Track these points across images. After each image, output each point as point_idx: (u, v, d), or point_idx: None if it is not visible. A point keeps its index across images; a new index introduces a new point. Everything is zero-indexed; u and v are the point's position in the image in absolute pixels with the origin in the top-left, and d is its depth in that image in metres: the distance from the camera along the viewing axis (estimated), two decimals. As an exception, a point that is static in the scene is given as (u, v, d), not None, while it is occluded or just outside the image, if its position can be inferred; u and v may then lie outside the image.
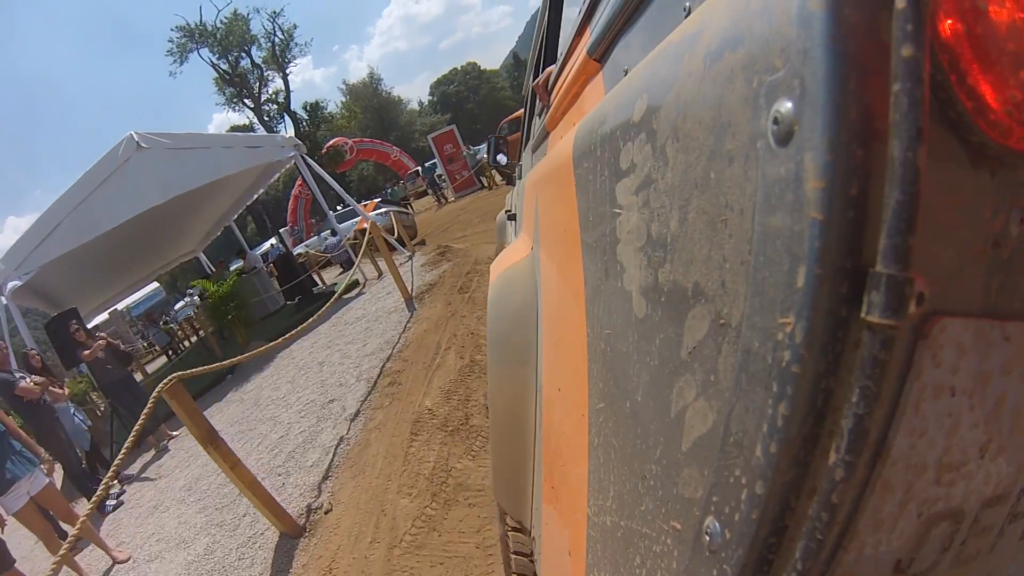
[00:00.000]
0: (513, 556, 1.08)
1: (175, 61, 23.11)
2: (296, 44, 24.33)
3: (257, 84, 23.50)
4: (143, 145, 6.49)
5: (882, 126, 0.22)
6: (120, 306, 16.05)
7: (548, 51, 1.43)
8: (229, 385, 6.61)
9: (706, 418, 0.31)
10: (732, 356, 0.29)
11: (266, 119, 23.66)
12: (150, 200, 6.63)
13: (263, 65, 23.84)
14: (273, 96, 24.04)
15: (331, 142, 23.81)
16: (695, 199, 0.33)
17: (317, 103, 25.76)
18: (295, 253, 13.94)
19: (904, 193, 0.22)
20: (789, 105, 0.24)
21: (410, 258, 8.12)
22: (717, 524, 0.29)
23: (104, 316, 13.90)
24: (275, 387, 5.31)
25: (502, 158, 3.15)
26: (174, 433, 5.78)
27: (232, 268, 11.05)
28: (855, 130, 0.22)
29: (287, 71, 23.98)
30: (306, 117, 24.89)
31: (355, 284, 8.01)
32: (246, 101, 23.33)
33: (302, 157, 8.34)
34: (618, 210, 0.46)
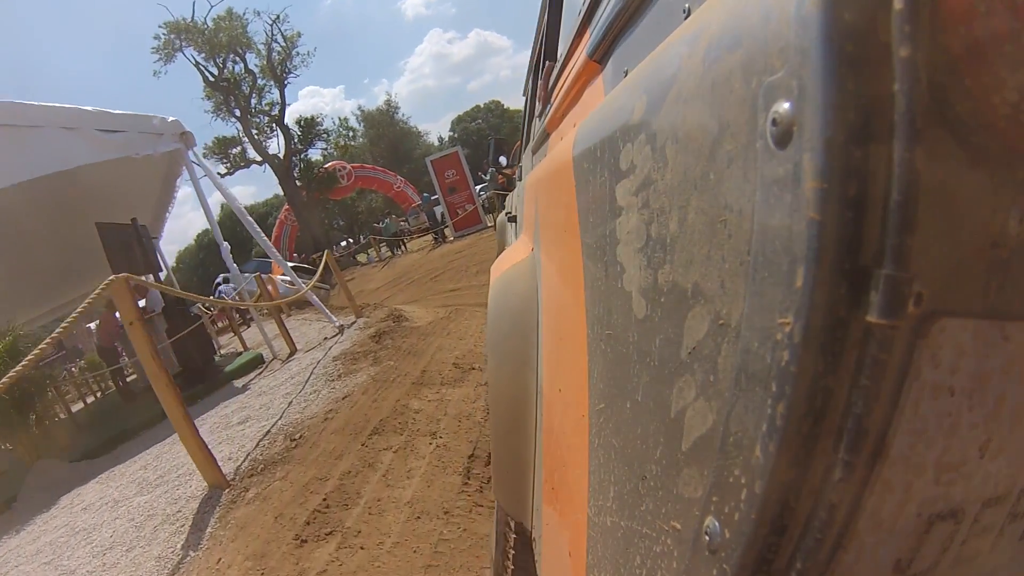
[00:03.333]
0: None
1: (160, 59, 20.74)
2: (299, 54, 22.33)
3: (249, 91, 21.56)
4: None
5: (881, 127, 0.22)
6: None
7: (548, 51, 1.43)
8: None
9: (706, 418, 0.31)
10: (732, 356, 0.29)
11: (254, 132, 21.51)
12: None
13: (259, 74, 21.88)
14: (267, 108, 22.09)
15: (327, 165, 22.15)
16: (694, 200, 0.33)
17: (312, 118, 23.70)
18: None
19: (903, 194, 0.22)
20: (788, 106, 0.24)
21: (339, 332, 5.75)
22: (717, 524, 0.29)
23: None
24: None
25: (503, 160, 3.18)
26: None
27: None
28: (854, 131, 0.22)
29: (286, 82, 22.06)
30: (299, 133, 22.91)
31: (258, 361, 6.00)
32: (234, 110, 21.21)
33: (195, 156, 5.85)
34: (618, 211, 0.46)
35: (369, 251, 18.71)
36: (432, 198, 16.73)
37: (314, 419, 3.48)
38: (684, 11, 0.39)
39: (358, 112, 33.86)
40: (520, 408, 0.96)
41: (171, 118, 5.62)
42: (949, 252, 0.23)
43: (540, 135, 1.30)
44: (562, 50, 0.94)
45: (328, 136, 24.32)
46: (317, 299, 6.44)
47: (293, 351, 5.85)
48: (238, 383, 5.51)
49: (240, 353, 7.10)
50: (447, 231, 15.15)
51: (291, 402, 4.03)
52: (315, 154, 24.42)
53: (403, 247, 17.14)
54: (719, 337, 0.30)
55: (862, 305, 0.23)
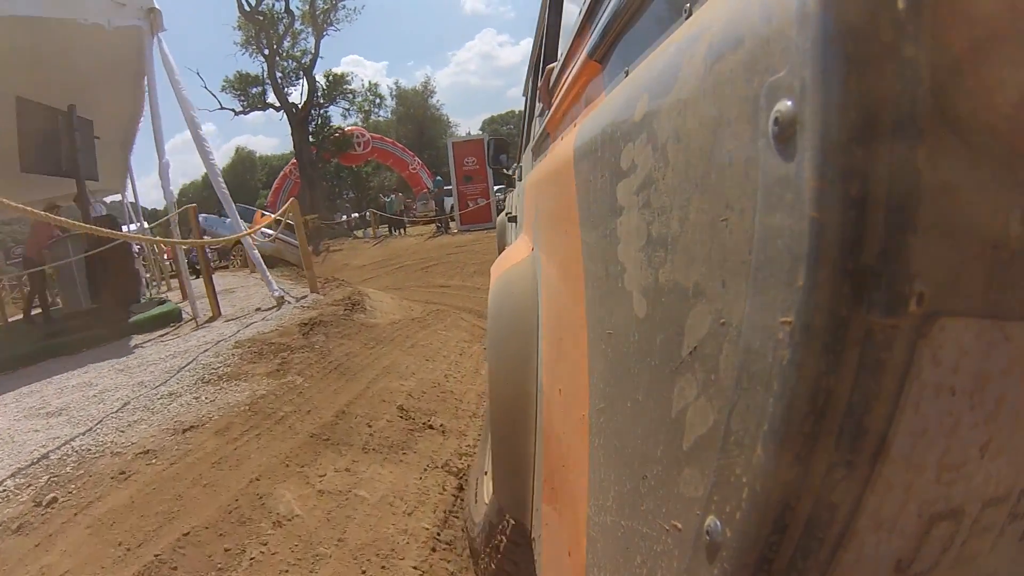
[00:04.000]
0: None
1: None
2: (344, 6, 20.40)
3: (284, 32, 19.78)
4: None
5: (882, 126, 0.22)
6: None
7: (548, 51, 1.43)
8: None
9: (707, 417, 0.31)
10: (733, 355, 0.29)
11: (279, 74, 19.87)
12: None
13: (299, 18, 20.08)
14: (299, 55, 20.30)
15: (348, 127, 21.15)
16: (696, 199, 0.33)
17: (342, 75, 22.10)
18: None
19: (904, 193, 0.22)
20: (790, 105, 0.24)
21: (276, 305, 4.55)
22: (718, 523, 0.29)
23: None
24: None
25: (503, 159, 3.17)
26: None
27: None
28: (855, 130, 0.22)
29: (325, 32, 20.13)
30: (324, 87, 21.34)
31: (173, 317, 5.05)
32: (263, 48, 19.50)
33: (160, 41, 4.48)
34: (619, 210, 0.46)
35: (367, 228, 17.87)
36: (446, 187, 15.15)
37: (109, 463, 2.08)
38: (685, 11, 0.39)
39: (393, 86, 32.39)
40: (520, 408, 0.96)
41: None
42: (950, 252, 0.23)
43: (540, 135, 1.30)
44: (563, 50, 0.94)
45: (353, 97, 22.81)
46: (260, 259, 5.25)
47: (215, 315, 4.71)
48: (139, 338, 4.54)
49: (163, 302, 5.99)
50: (452, 223, 13.93)
51: (126, 403, 2.72)
52: (336, 113, 23.09)
53: (402, 229, 15.91)
54: (720, 336, 0.30)
55: (863, 304, 0.23)
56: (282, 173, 21.71)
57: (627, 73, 0.51)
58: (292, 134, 20.09)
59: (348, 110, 22.51)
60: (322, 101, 21.25)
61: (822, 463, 0.25)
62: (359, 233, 18.01)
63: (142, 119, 6.20)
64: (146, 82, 4.70)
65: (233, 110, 20.91)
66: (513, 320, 1.02)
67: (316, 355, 3.27)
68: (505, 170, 3.21)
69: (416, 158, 21.83)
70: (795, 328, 0.24)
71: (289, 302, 4.74)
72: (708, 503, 0.31)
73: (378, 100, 24.34)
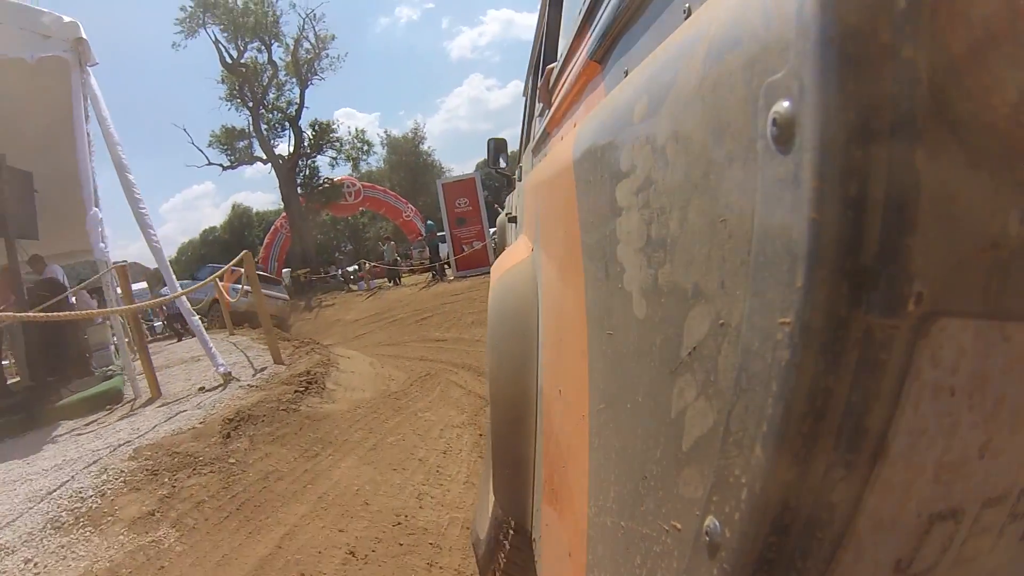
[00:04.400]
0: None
1: (181, 31, 18.78)
2: (327, 55, 20.32)
3: (268, 83, 19.87)
4: None
5: (881, 127, 0.22)
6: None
7: (548, 51, 1.43)
8: None
9: (706, 418, 0.31)
10: (732, 356, 0.29)
11: (263, 125, 19.92)
12: None
13: (283, 69, 20.15)
14: (284, 106, 20.39)
15: (337, 178, 20.72)
16: (695, 200, 0.33)
17: (328, 124, 21.70)
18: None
19: (903, 194, 0.22)
20: (788, 106, 0.24)
21: (221, 385, 3.92)
22: (717, 523, 0.29)
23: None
24: None
25: (502, 160, 3.17)
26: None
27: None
28: (854, 131, 0.22)
29: (309, 82, 20.22)
30: (311, 137, 21.10)
31: (112, 397, 4.26)
32: (248, 101, 19.60)
33: (87, 74, 4.10)
34: (618, 211, 0.46)
35: (360, 281, 17.25)
36: (439, 234, 14.05)
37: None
38: (684, 11, 0.39)
39: (383, 135, 31.65)
40: (520, 408, 0.96)
41: (68, 18, 4.12)
42: (949, 252, 0.23)
43: (540, 136, 1.30)
44: (563, 51, 0.94)
45: (341, 145, 22.41)
46: (200, 327, 4.61)
47: (154, 395, 4.04)
48: (67, 425, 3.79)
49: (111, 376, 5.04)
50: (448, 269, 13.05)
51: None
52: (324, 163, 22.78)
53: (396, 279, 15.09)
54: (720, 337, 0.30)
55: (862, 305, 0.23)
56: (273, 227, 21.34)
57: (627, 73, 0.51)
58: (280, 187, 19.90)
59: (336, 159, 22.23)
60: (309, 151, 21.08)
61: (821, 463, 0.25)
62: (354, 287, 17.16)
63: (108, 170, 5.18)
64: (74, 118, 4.13)
65: (221, 165, 20.65)
66: (513, 320, 1.02)
67: (221, 479, 2.31)
68: (501, 171, 3.18)
69: (410, 206, 21.43)
70: (794, 329, 0.24)
71: (237, 379, 4.02)
72: (708, 503, 0.31)
73: (366, 147, 23.65)
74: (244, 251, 4.95)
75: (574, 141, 0.64)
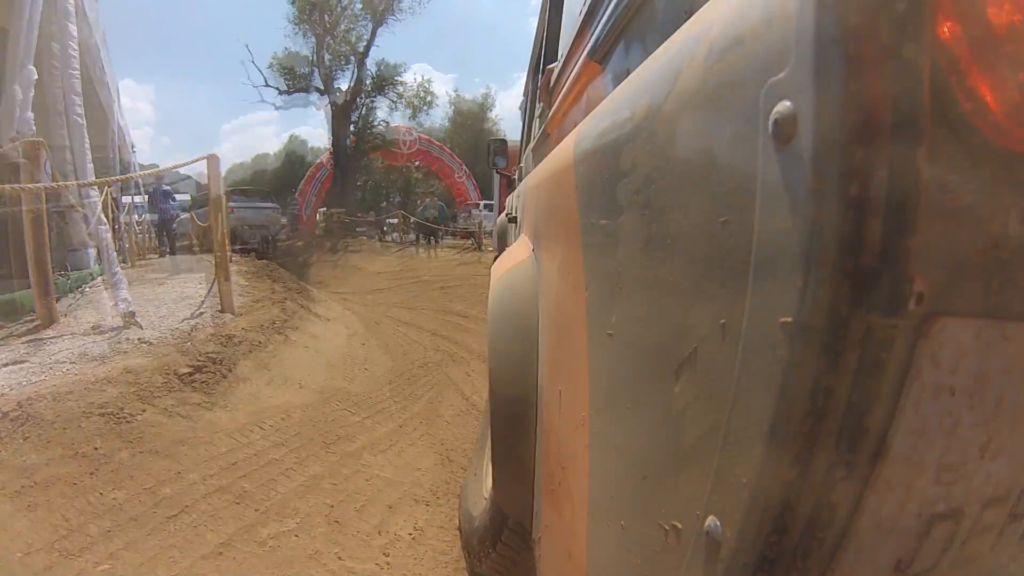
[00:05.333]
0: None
1: None
2: None
3: (342, 11, 18.10)
4: None
5: (882, 127, 0.22)
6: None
7: (549, 51, 1.43)
8: None
9: (707, 417, 0.31)
10: (733, 355, 0.29)
11: (327, 57, 18.18)
12: None
13: (359, 6, 18.32)
14: (354, 40, 18.52)
15: (395, 124, 19.61)
16: (696, 199, 0.33)
17: (395, 65, 19.89)
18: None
19: (904, 194, 0.22)
20: (789, 106, 0.24)
21: (124, 323, 2.98)
22: (718, 523, 0.29)
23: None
24: None
25: (500, 161, 3.17)
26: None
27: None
28: (855, 131, 0.22)
29: (384, 21, 18.37)
30: (373, 76, 19.46)
31: (12, 307, 3.22)
32: (316, 26, 17.73)
33: None
34: (619, 211, 0.46)
35: (395, 232, 16.29)
36: (488, 202, 13.62)
37: None
38: (685, 12, 0.39)
39: (454, 93, 30.24)
40: (520, 408, 0.96)
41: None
42: (950, 252, 0.23)
43: (541, 135, 1.30)
44: (563, 51, 0.94)
45: (404, 90, 20.71)
46: (109, 243, 3.65)
47: (50, 322, 3.04)
48: None
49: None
50: (487, 239, 12.10)
51: None
52: (383, 107, 20.89)
53: (436, 239, 13.83)
54: (720, 336, 0.30)
55: (863, 304, 0.23)
56: (318, 161, 20.16)
57: (628, 73, 0.51)
58: (332, 123, 18.83)
59: (396, 103, 20.79)
60: (369, 90, 19.65)
61: (822, 463, 0.25)
62: (388, 238, 16.29)
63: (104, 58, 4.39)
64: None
65: (277, 88, 19.43)
66: (513, 321, 1.02)
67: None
68: (501, 171, 3.18)
69: (464, 167, 20.54)
70: (795, 328, 0.24)
71: (139, 326, 2.93)
72: (708, 503, 0.31)
73: (428, 98, 22.05)
74: (211, 155, 3.79)
75: (574, 141, 0.64)
